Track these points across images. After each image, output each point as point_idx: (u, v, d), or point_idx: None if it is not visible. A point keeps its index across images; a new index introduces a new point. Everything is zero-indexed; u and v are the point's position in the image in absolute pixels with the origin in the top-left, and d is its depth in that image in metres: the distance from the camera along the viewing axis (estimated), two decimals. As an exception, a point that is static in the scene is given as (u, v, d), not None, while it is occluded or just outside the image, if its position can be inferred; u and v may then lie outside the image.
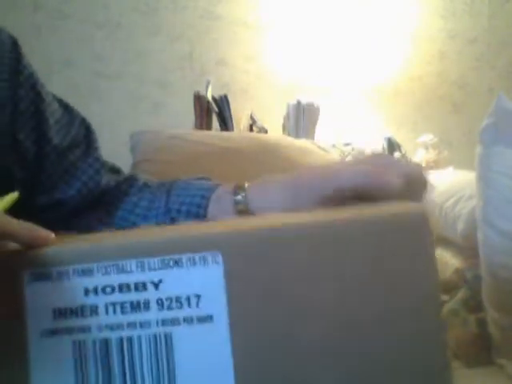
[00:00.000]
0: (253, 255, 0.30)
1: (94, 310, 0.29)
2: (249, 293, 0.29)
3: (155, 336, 0.29)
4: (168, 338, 0.29)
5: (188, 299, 0.29)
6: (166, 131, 1.44)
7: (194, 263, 0.30)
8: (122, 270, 0.30)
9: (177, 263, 0.30)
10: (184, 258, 0.30)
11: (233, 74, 2.13)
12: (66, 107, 0.64)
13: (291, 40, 2.14)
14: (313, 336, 0.29)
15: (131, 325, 0.29)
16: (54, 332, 0.29)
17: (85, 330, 0.29)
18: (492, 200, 0.83)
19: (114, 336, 0.29)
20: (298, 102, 1.84)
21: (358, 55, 2.09)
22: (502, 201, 0.82)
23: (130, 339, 0.29)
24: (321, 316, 0.29)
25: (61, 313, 0.29)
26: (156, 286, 0.29)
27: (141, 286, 0.29)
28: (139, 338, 0.29)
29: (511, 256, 0.79)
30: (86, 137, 0.63)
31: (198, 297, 0.29)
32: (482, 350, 0.89)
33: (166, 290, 0.29)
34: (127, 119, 2.01)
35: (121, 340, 0.29)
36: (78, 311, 0.29)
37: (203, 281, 0.29)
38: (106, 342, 0.29)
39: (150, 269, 0.30)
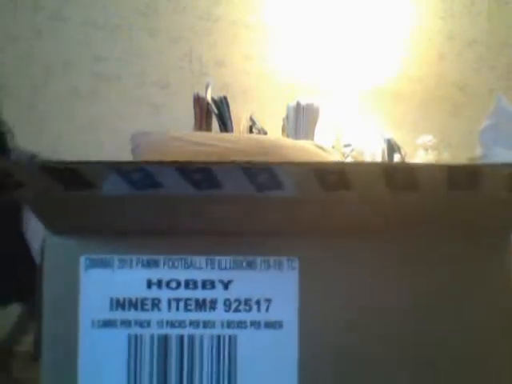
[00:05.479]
0: (330, 264, 0.29)
1: (156, 304, 0.27)
2: (322, 302, 0.28)
3: (219, 337, 0.27)
4: (232, 341, 0.27)
5: (258, 303, 0.28)
6: (168, 132, 1.43)
7: (269, 266, 0.28)
8: (190, 265, 0.28)
9: (250, 265, 0.28)
10: (258, 259, 0.28)
11: (233, 75, 2.13)
12: None
13: (291, 41, 2.14)
14: (388, 344, 0.28)
15: (194, 323, 0.26)
16: (108, 323, 0.27)
17: (143, 324, 0.27)
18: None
19: (174, 333, 0.26)
20: (298, 103, 1.83)
21: (357, 56, 2.09)
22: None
23: (191, 338, 0.26)
24: (395, 328, 0.28)
25: (118, 303, 0.27)
26: (225, 285, 0.27)
27: (209, 284, 0.27)
28: (201, 337, 0.26)
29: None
30: None
31: (269, 301, 0.28)
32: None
33: (235, 290, 0.28)
34: (127, 120, 2.01)
35: (181, 338, 0.26)
36: (137, 303, 0.27)
37: (276, 285, 0.28)
38: (165, 339, 0.26)
39: (220, 267, 0.28)
